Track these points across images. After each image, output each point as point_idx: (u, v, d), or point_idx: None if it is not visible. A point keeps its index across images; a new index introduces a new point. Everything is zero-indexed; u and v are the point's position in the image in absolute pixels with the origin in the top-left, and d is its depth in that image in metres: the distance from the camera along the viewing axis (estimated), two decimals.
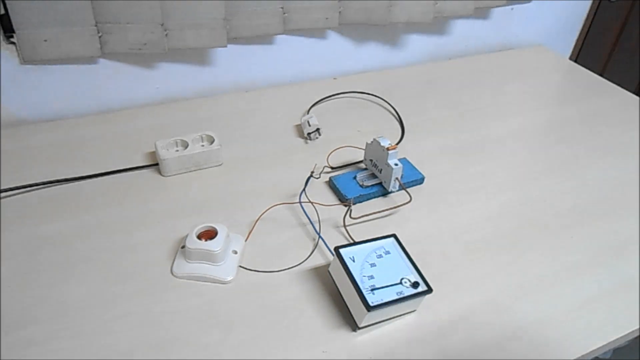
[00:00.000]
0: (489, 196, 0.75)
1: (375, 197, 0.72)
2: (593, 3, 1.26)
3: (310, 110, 0.90)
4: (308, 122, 0.82)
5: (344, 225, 0.66)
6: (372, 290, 0.53)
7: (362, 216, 0.67)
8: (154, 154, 0.75)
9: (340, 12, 0.92)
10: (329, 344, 0.53)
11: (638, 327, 0.58)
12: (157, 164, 0.75)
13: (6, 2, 0.72)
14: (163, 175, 0.74)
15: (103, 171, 0.73)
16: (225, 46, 0.86)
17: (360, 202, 0.71)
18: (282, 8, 0.87)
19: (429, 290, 0.54)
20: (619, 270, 0.64)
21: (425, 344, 0.54)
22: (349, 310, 0.55)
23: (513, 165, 0.82)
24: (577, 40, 1.33)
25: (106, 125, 0.84)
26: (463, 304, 0.58)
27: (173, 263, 0.60)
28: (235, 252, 0.61)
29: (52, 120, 0.85)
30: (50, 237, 0.63)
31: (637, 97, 1.04)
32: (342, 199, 0.71)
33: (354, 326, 0.54)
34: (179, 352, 0.52)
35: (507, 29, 1.19)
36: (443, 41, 1.13)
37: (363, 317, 0.52)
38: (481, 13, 1.13)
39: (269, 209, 0.68)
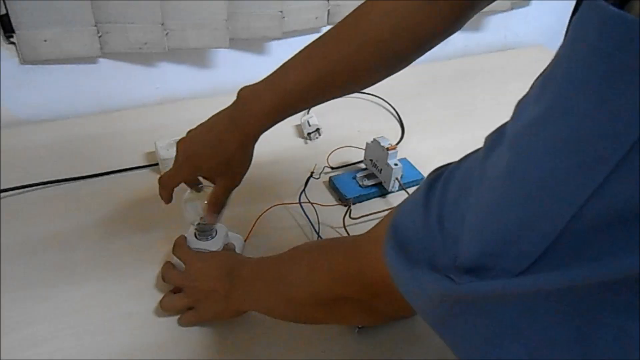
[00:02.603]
0: None
1: (375, 197, 0.72)
2: None
3: (310, 110, 0.90)
4: (308, 122, 0.82)
5: (344, 226, 0.66)
6: None
7: (362, 216, 0.67)
8: (154, 154, 0.75)
9: (329, 10, 0.92)
10: (329, 344, 0.53)
11: None
12: (157, 164, 0.75)
13: (6, 2, 0.72)
14: None
15: (103, 171, 0.73)
16: (227, 47, 0.86)
17: (360, 202, 0.71)
18: (280, 12, 0.87)
19: None
20: None
21: (425, 343, 0.54)
22: None
23: None
24: None
25: (106, 125, 0.84)
26: None
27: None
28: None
29: (52, 120, 0.85)
30: (50, 237, 0.63)
31: None
32: (342, 199, 0.71)
33: (354, 326, 0.54)
34: (179, 352, 0.52)
35: (507, 29, 1.19)
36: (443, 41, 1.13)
37: None
38: (481, 13, 1.13)
39: (269, 209, 0.68)
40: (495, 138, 0.27)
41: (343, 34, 0.51)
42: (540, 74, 0.26)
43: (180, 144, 0.56)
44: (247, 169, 0.56)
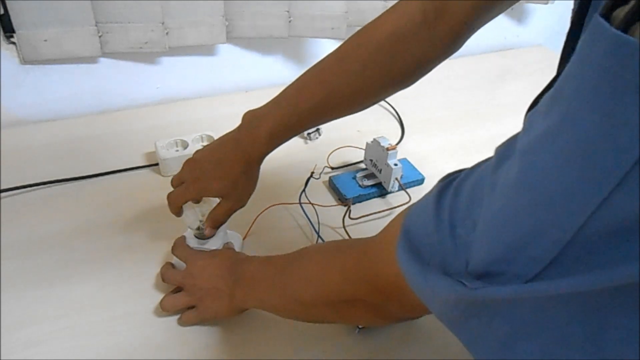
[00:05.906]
0: None
1: (374, 197, 0.72)
2: None
3: None
4: None
5: (344, 226, 0.66)
6: None
7: (362, 216, 0.67)
8: (154, 154, 0.75)
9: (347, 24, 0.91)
10: (329, 343, 0.53)
11: None
12: (157, 164, 0.75)
13: (6, 2, 0.72)
14: (163, 176, 0.74)
15: (103, 171, 0.73)
16: (225, 43, 0.86)
17: (360, 202, 0.71)
18: (287, 12, 0.87)
19: None
20: None
21: (425, 344, 0.54)
22: None
23: None
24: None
25: (106, 125, 0.84)
26: None
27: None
28: None
29: (52, 120, 0.85)
30: (50, 237, 0.63)
31: None
32: (342, 199, 0.71)
33: (354, 326, 0.54)
34: (179, 352, 0.52)
35: (507, 29, 1.19)
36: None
37: None
38: None
39: (268, 208, 0.68)
40: (506, 149, 0.28)
41: (344, 58, 0.53)
42: (546, 88, 0.27)
43: (186, 164, 0.57)
44: (253, 191, 0.58)
